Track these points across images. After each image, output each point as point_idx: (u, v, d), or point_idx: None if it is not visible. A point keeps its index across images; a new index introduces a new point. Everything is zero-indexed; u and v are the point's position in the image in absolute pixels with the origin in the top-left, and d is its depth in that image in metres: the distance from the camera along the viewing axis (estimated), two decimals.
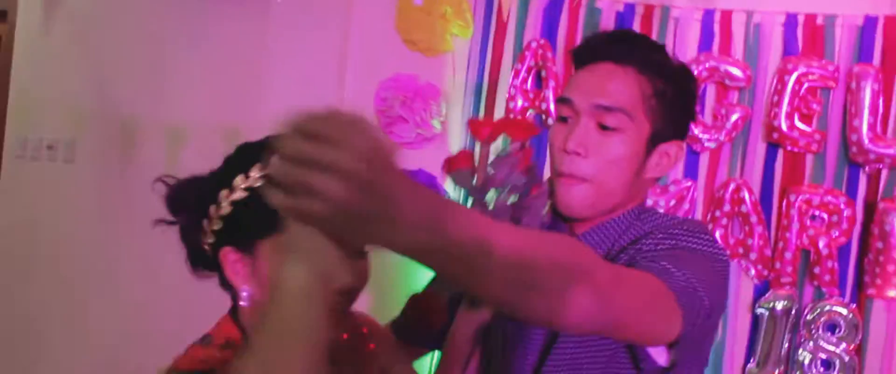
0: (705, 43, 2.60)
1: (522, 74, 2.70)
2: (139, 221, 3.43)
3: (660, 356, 1.18)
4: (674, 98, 1.30)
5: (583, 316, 0.91)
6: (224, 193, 1.15)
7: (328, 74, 2.79)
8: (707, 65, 2.56)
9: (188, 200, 1.21)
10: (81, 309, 3.33)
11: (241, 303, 1.16)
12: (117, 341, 3.22)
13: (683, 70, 1.36)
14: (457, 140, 2.74)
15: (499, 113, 2.72)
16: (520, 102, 2.70)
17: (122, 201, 3.28)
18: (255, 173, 1.13)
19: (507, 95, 2.72)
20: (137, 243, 3.29)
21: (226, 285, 1.19)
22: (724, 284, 1.26)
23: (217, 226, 1.16)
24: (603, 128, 1.27)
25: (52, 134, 3.47)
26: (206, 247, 1.19)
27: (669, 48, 1.42)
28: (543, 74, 2.67)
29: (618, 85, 1.27)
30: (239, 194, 1.13)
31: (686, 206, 2.58)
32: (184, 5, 3.19)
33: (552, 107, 2.61)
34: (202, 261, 1.22)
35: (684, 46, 2.60)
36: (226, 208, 1.15)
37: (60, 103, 3.47)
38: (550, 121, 2.60)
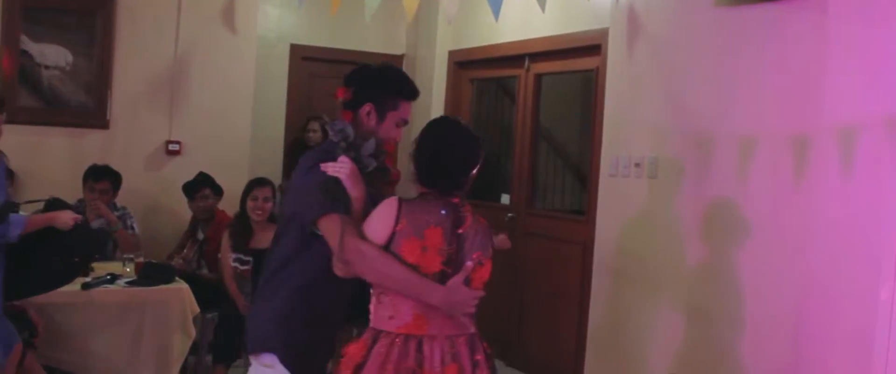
0: None
1: None
2: (715, 231, 3.55)
3: None
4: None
5: None
6: None
7: (893, 71, 2.58)
8: None
9: None
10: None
11: None
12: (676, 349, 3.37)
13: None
14: None
15: None
16: None
17: (697, 212, 3.44)
18: None
19: None
20: (709, 252, 3.42)
21: None
22: None
23: None
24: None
25: (639, 152, 3.77)
26: None
27: None
28: None
29: None
30: None
31: None
32: (744, 16, 3.24)
33: None
34: None
35: None
36: None
37: (643, 124, 3.76)
38: None
